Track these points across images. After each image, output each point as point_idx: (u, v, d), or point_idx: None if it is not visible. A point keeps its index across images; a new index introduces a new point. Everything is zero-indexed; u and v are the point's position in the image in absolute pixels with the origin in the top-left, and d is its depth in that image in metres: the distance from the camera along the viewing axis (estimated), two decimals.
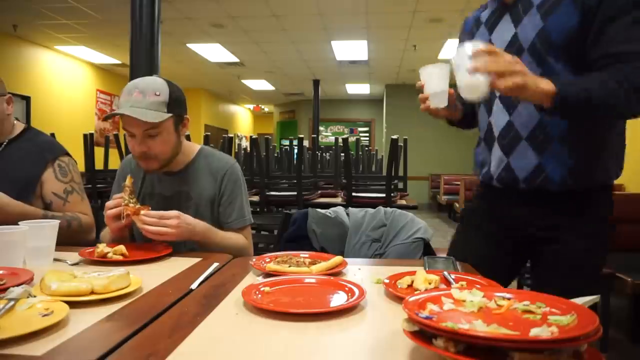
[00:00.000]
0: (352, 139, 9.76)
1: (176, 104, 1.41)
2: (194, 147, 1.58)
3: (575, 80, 1.11)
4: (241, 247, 1.48)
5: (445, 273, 1.02)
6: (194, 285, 1.00)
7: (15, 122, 1.68)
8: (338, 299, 0.90)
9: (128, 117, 1.32)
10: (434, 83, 1.19)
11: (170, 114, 1.38)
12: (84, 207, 1.65)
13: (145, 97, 1.35)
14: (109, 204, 1.35)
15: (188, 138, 4.13)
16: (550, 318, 0.64)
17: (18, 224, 1.12)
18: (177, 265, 1.19)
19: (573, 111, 1.10)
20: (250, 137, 4.95)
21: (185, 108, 1.49)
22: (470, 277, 1.01)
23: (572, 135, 1.18)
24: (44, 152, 1.63)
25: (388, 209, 1.73)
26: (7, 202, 1.41)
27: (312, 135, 5.34)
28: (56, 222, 1.19)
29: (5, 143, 1.62)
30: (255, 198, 3.94)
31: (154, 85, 1.38)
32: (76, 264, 1.19)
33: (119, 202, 1.33)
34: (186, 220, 1.33)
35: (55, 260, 1.21)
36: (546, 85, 1.05)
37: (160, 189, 1.52)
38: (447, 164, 10.30)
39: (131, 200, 1.32)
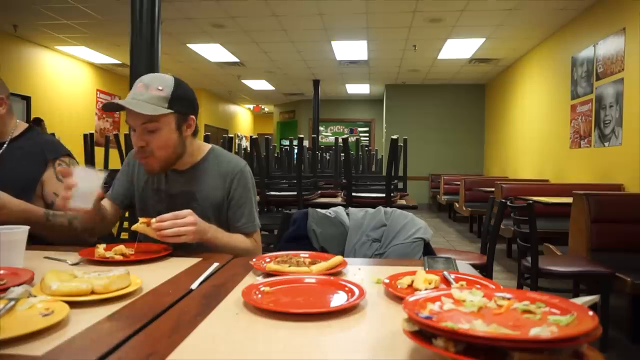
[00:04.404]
0: (352, 139, 9.79)
1: (179, 101, 1.39)
2: (204, 146, 1.56)
3: None
4: (248, 250, 1.47)
5: (445, 273, 1.02)
6: (194, 285, 1.00)
7: (17, 121, 1.68)
8: (338, 299, 0.90)
9: (128, 109, 1.32)
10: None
11: (169, 110, 1.36)
12: None
13: (147, 90, 1.35)
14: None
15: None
16: (550, 318, 0.64)
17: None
18: (177, 265, 1.19)
19: None
20: (250, 137, 4.95)
21: (193, 108, 1.46)
22: (470, 277, 1.01)
23: None
24: (45, 152, 1.63)
25: (388, 209, 1.73)
26: (6, 201, 1.40)
27: (312, 135, 5.34)
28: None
29: (7, 142, 1.61)
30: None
31: (159, 80, 1.37)
32: (76, 264, 1.19)
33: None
34: (199, 219, 1.31)
35: (56, 260, 1.21)
36: None
37: (167, 187, 1.50)
38: (447, 164, 10.30)
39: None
